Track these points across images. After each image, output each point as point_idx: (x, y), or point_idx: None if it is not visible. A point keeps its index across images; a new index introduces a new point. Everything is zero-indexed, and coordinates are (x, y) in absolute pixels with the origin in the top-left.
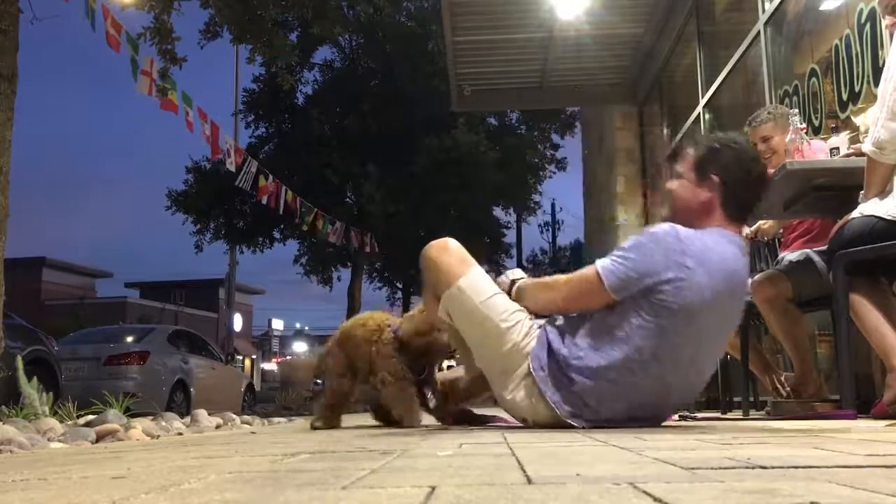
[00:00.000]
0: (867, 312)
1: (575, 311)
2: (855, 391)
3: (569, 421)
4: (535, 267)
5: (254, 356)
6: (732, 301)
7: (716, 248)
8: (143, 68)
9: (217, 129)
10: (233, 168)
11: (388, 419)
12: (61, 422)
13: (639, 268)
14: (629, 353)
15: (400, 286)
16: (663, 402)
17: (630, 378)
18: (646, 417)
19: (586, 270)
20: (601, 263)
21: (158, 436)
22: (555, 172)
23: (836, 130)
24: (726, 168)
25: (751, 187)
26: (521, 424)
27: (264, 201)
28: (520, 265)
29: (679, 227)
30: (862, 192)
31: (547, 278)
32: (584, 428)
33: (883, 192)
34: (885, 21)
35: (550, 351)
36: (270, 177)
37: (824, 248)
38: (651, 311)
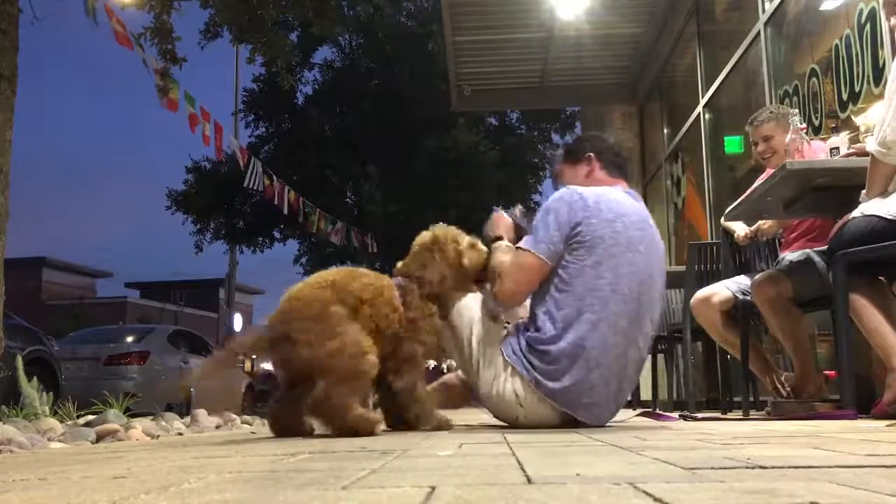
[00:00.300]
0: (867, 312)
1: (527, 293)
2: (855, 391)
3: (549, 386)
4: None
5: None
6: (642, 233)
7: (607, 191)
8: (155, 68)
9: (221, 130)
10: (241, 164)
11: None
12: (61, 422)
13: (558, 226)
14: (573, 302)
15: None
16: (616, 349)
17: (584, 325)
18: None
19: (520, 257)
20: (527, 244)
21: (158, 436)
22: None
23: (836, 130)
24: (593, 145)
25: (616, 152)
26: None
27: (275, 201)
28: None
29: (574, 185)
30: (863, 191)
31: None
32: (566, 388)
33: (885, 192)
34: (891, 22)
35: (520, 337)
36: (274, 177)
37: (824, 248)
38: (574, 256)
